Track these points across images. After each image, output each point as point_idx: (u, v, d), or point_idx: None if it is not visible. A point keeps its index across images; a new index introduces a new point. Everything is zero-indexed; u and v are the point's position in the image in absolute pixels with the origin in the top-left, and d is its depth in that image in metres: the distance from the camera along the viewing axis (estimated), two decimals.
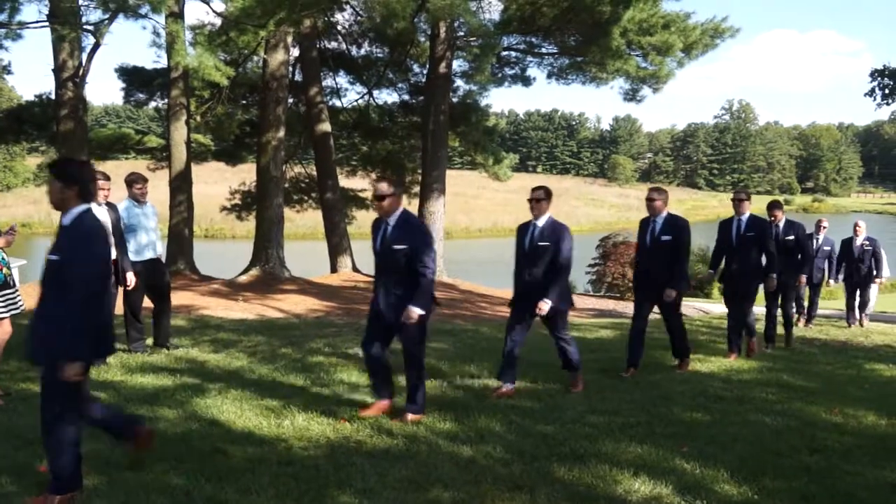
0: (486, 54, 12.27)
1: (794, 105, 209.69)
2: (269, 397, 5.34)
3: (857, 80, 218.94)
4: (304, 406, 5.09)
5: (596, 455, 4.18)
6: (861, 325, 10.87)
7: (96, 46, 12.73)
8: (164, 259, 7.18)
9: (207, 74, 10.11)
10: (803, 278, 9.30)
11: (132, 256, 6.67)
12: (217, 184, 36.42)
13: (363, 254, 19.32)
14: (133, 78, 17.64)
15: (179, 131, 13.95)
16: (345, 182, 18.97)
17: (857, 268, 10.72)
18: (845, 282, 11.02)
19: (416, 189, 18.85)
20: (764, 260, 7.27)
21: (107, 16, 10.96)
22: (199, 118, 15.45)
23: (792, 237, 8.35)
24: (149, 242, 6.81)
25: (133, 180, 6.80)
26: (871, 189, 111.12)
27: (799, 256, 8.62)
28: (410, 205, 19.69)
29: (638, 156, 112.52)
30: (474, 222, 54.98)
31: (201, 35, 10.12)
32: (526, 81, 17.08)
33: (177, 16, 11.99)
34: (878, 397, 5.93)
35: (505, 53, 16.26)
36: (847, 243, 10.88)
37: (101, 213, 6.03)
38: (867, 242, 10.74)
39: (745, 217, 7.11)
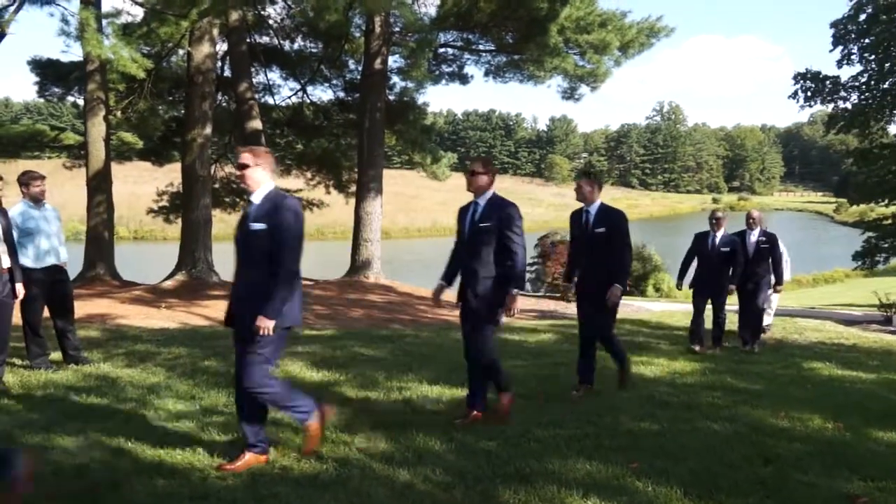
0: (422, 50, 11.91)
1: (720, 107, 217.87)
2: (185, 418, 4.84)
3: (779, 84, 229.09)
4: (224, 427, 4.62)
5: (543, 474, 3.88)
6: (754, 350, 8.25)
7: (1, 36, 11.74)
8: (67, 266, 6.50)
9: (123, 67, 9.37)
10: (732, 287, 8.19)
11: (30, 263, 6.01)
12: (147, 183, 34.89)
13: (305, 256, 18.60)
14: (47, 71, 16.51)
15: (97, 128, 13.06)
16: (278, 183, 18.28)
17: (751, 272, 8.30)
18: (739, 291, 8.42)
19: (353, 188, 18.37)
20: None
21: (11, 2, 10.08)
22: (119, 114, 14.52)
23: (728, 248, 8.01)
24: (50, 248, 6.14)
25: (29, 179, 6.10)
26: (793, 188, 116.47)
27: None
28: (347, 204, 19.26)
29: (574, 156, 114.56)
30: (414, 222, 54.72)
31: (114, 24, 9.38)
32: (463, 79, 16.84)
33: (89, 2, 11.14)
34: (819, 398, 5.87)
35: (442, 50, 15.96)
36: (741, 237, 8.40)
37: None
38: (763, 239, 8.40)
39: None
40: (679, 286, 8.60)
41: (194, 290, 12.02)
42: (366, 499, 3.56)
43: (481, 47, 15.68)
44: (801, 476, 3.93)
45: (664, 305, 15.27)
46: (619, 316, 11.41)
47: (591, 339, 5.82)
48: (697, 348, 7.97)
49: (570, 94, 14.69)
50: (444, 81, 16.68)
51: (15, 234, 5.85)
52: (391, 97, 16.41)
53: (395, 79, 17.28)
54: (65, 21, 9.62)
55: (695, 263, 8.28)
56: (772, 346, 8.78)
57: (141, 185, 33.84)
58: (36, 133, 17.11)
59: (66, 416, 4.90)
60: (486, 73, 16.39)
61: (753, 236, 8.45)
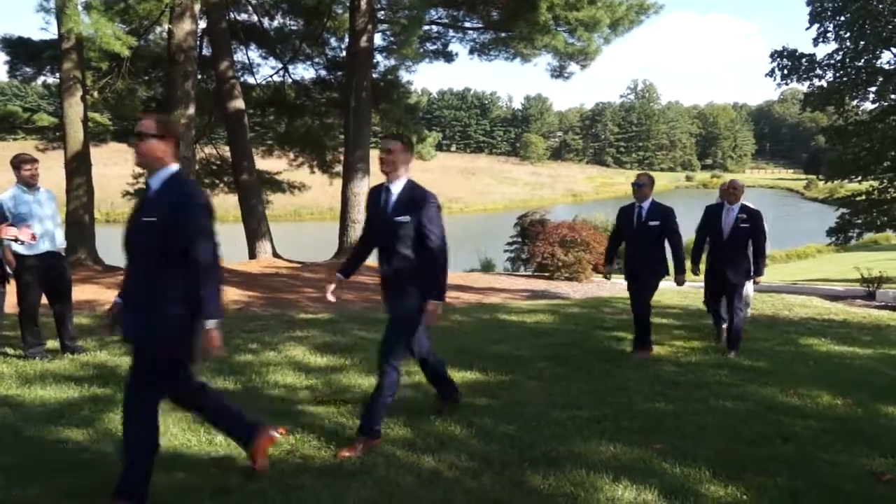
0: (412, 27, 11.69)
1: (693, 85, 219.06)
2: None
3: (752, 62, 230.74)
4: None
5: (569, 458, 3.86)
6: (730, 353, 6.55)
7: None
8: (64, 251, 6.30)
9: (106, 44, 9.05)
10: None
11: (23, 250, 5.79)
12: (117, 165, 34.14)
13: (285, 238, 18.58)
14: (18, 50, 15.90)
15: (74, 108, 12.66)
16: (260, 164, 17.96)
17: (727, 256, 6.65)
18: (707, 275, 7.00)
19: (338, 168, 18.13)
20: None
21: None
22: (96, 94, 14.08)
23: (657, 222, 6.30)
24: (44, 233, 5.91)
25: (20, 162, 5.87)
26: (764, 165, 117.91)
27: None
28: (332, 185, 19.02)
29: (549, 134, 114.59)
30: None
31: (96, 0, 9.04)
32: (448, 57, 16.62)
33: None
34: (824, 374, 5.95)
35: (426, 28, 15.71)
36: (712, 215, 6.81)
37: None
38: (744, 216, 6.60)
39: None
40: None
41: None
42: (394, 488, 3.51)
43: (467, 24, 15.49)
44: (822, 454, 3.97)
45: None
46: (609, 295, 11.44)
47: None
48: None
49: (559, 73, 14.60)
50: (427, 59, 16.47)
51: (8, 220, 5.65)
52: (375, 76, 16.13)
53: (378, 57, 17.00)
54: None
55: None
56: (765, 322, 8.86)
57: (111, 167, 33.14)
58: (8, 114, 16.57)
59: (70, 406, 4.75)
60: (472, 51, 16.19)
61: (732, 212, 6.68)
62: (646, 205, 6.39)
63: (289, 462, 3.82)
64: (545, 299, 11.26)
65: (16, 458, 3.82)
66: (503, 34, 14.87)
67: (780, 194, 78.13)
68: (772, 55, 22.42)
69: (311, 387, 5.36)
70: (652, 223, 6.33)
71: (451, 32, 16.37)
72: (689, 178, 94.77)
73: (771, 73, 22.59)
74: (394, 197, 4.03)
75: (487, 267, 19.74)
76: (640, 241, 6.42)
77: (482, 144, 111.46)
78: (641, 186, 6.37)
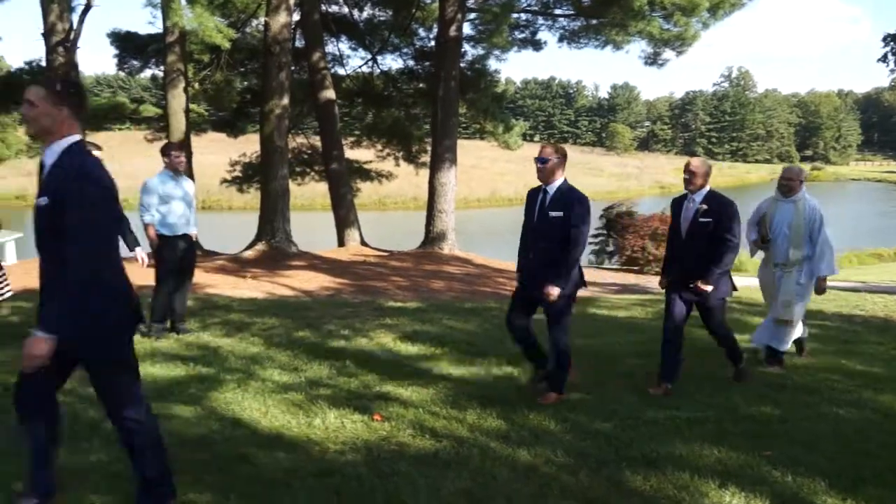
0: (504, 14, 11.57)
1: (793, 72, 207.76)
2: (293, 390, 4.87)
3: (857, 47, 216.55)
4: (332, 400, 4.62)
5: (671, 460, 3.73)
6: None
7: (87, 7, 12.03)
8: (195, 236, 6.73)
9: (208, 36, 9.44)
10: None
11: (164, 230, 6.30)
12: (213, 154, 35.67)
13: (371, 226, 18.91)
14: (126, 44, 16.87)
15: (177, 99, 13.29)
16: (348, 153, 18.34)
17: (685, 262, 5.10)
18: (669, 285, 5.25)
19: (423, 158, 18.27)
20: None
21: None
22: (197, 85, 14.72)
23: (560, 213, 4.66)
24: (184, 217, 6.42)
25: (169, 150, 6.41)
26: (870, 157, 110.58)
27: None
28: (418, 175, 19.19)
29: (636, 124, 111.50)
30: (473, 192, 54.35)
31: None
32: (537, 45, 16.37)
33: None
34: None
35: (515, 16, 15.52)
36: (674, 207, 5.30)
37: None
38: (705, 208, 4.99)
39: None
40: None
41: (275, 260, 12.20)
42: (490, 479, 3.48)
43: (557, 11, 15.20)
44: None
45: (742, 280, 14.67)
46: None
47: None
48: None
49: (653, 60, 14.09)
50: (515, 48, 16.28)
51: (154, 202, 6.10)
52: (462, 65, 16.10)
53: (465, 47, 16.95)
54: None
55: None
56: (878, 325, 8.30)
57: (206, 156, 34.71)
58: (116, 105, 17.59)
59: (178, 384, 4.98)
60: (561, 39, 15.88)
61: (693, 203, 5.08)
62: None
63: (385, 448, 3.86)
64: (635, 294, 10.96)
65: None
66: (594, 21, 14.50)
67: (888, 188, 73.15)
68: (884, 39, 20.99)
69: (402, 374, 5.41)
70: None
71: (539, 20, 16.12)
72: None
73: (883, 59, 21.18)
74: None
75: None
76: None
77: (566, 135, 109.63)
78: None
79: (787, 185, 5.78)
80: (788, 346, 5.92)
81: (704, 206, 4.99)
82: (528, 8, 15.22)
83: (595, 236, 17.51)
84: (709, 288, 4.97)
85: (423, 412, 4.44)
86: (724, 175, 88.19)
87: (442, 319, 7.62)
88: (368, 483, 3.39)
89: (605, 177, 75.51)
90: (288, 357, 5.87)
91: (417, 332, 6.96)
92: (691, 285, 5.01)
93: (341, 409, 4.44)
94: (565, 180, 4.75)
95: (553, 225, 4.66)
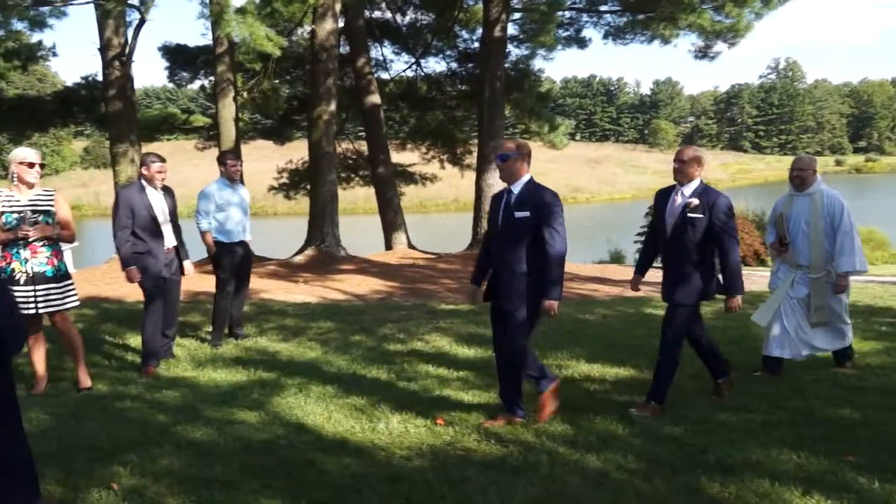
0: (551, 12, 11.45)
1: (843, 61, 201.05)
2: (354, 394, 4.86)
3: None
4: (394, 405, 4.60)
5: (748, 466, 3.59)
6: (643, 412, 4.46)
7: (142, 22, 12.34)
8: (250, 243, 6.82)
9: (259, 45, 9.58)
10: None
11: (220, 237, 6.37)
12: (257, 161, 36.30)
13: (414, 229, 18.97)
14: (177, 56, 17.28)
15: (227, 108, 13.53)
16: (393, 157, 18.43)
17: (669, 262, 4.56)
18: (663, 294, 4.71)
19: (468, 161, 18.23)
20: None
21: None
22: (245, 95, 14.99)
23: (526, 213, 4.11)
24: (239, 224, 6.49)
25: (225, 159, 6.55)
26: None
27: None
28: (463, 177, 19.17)
29: (680, 120, 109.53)
30: None
31: (251, 3, 9.58)
32: (581, 43, 16.16)
33: None
34: None
35: (559, 14, 15.33)
36: (659, 200, 4.67)
37: (157, 198, 5.60)
38: (695, 202, 4.36)
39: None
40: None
41: (325, 265, 12.31)
42: (561, 486, 3.41)
43: (603, 8, 14.99)
44: None
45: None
46: (760, 288, 10.67)
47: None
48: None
49: (703, 53, 13.76)
50: (560, 47, 16.09)
51: (211, 209, 6.20)
52: (505, 65, 16.00)
53: (509, 47, 16.86)
54: (203, 4, 9.95)
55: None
56: None
57: (251, 163, 35.29)
58: (168, 116, 18.02)
59: (241, 389, 5.03)
60: (606, 36, 15.65)
61: (680, 196, 4.46)
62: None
63: (451, 454, 3.81)
64: None
65: (200, 436, 4.07)
66: (641, 16, 14.24)
67: None
68: None
69: (461, 378, 5.37)
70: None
71: (584, 17, 15.94)
72: (838, 163, 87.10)
73: None
74: None
75: (617, 258, 19.10)
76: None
77: (608, 132, 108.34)
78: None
79: (799, 177, 5.25)
80: (851, 339, 5.48)
81: (694, 201, 4.35)
82: (573, 5, 15.04)
83: (640, 235, 17.17)
84: (738, 301, 4.41)
85: (485, 416, 4.38)
86: (773, 169, 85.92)
87: None
88: (438, 489, 3.35)
89: (649, 174, 74.28)
90: (346, 361, 5.89)
91: (472, 335, 6.91)
92: (729, 305, 4.43)
93: (404, 414, 4.42)
94: (531, 178, 4.21)
95: (520, 227, 4.10)
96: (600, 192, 61.19)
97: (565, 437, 4.05)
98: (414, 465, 3.66)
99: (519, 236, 4.11)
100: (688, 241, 4.37)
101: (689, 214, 4.35)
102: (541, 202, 4.09)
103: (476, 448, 3.92)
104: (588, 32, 17.43)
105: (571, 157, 70.79)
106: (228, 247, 6.45)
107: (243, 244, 6.59)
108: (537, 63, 21.87)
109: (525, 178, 4.19)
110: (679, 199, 4.43)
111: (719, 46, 13.71)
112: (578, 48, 16.05)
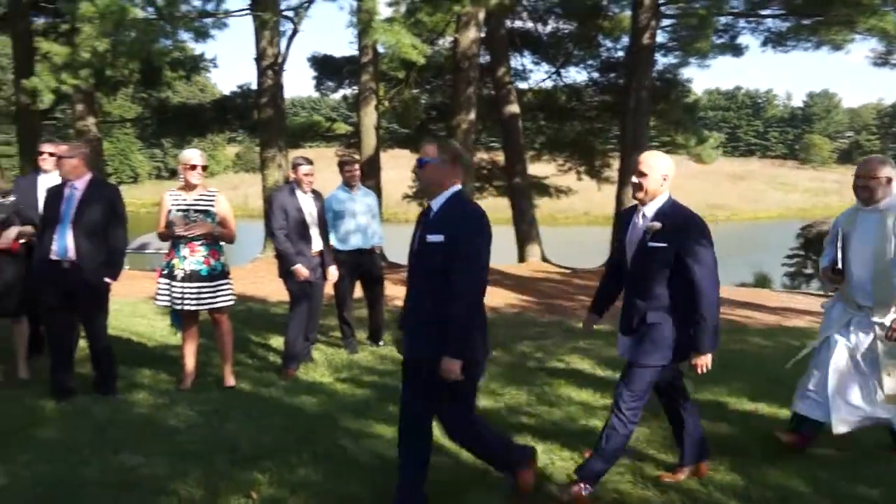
0: (710, 17, 10.72)
1: None
2: (493, 416, 4.60)
3: None
4: (536, 432, 4.30)
5: None
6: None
7: (294, 32, 12.88)
8: (380, 250, 6.68)
9: (404, 53, 9.66)
10: None
11: (337, 244, 6.25)
12: (392, 169, 37.31)
13: (549, 242, 18.57)
14: (323, 66, 18.01)
15: (369, 116, 13.85)
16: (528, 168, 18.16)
17: (629, 298, 3.46)
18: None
19: (606, 173, 17.60)
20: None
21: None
22: (386, 103, 15.30)
23: (440, 237, 3.09)
24: (356, 230, 6.33)
25: (343, 164, 6.46)
26: None
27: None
28: (600, 190, 18.53)
29: (836, 134, 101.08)
30: None
31: (398, 12, 9.71)
32: (737, 50, 15.06)
33: None
34: None
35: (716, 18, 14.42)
36: (622, 223, 3.62)
37: (306, 201, 5.63)
38: (658, 225, 3.26)
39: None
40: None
41: None
42: None
43: (765, 12, 13.89)
44: None
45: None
46: None
47: None
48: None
49: (884, 60, 12.35)
50: (713, 54, 15.11)
51: (329, 216, 6.15)
52: (652, 74, 15.27)
53: (655, 55, 16.10)
54: (352, 13, 10.22)
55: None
56: None
57: (386, 171, 36.21)
58: (313, 124, 18.82)
59: (380, 400, 4.91)
60: (765, 42, 14.48)
61: (640, 218, 3.37)
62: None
63: (605, 499, 3.44)
64: None
65: (338, 449, 3.96)
66: (807, 21, 13.06)
67: None
68: None
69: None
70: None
71: (741, 22, 14.86)
72: None
73: None
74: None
75: (762, 282, 17.64)
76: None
77: (754, 147, 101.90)
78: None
79: (865, 187, 3.82)
80: None
81: (656, 225, 3.28)
82: (730, 10, 14.06)
83: (790, 257, 15.81)
84: (704, 360, 3.32)
85: (636, 454, 3.96)
86: None
87: None
88: None
89: (799, 192, 69.29)
90: (482, 380, 5.63)
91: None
92: (694, 362, 3.33)
93: (548, 444, 4.10)
94: (459, 192, 3.12)
95: (430, 255, 3.07)
96: (743, 209, 57.70)
97: (735, 489, 3.56)
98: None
99: (431, 267, 3.08)
100: (649, 275, 3.38)
101: (651, 243, 3.30)
102: (455, 221, 3.05)
103: (631, 491, 3.52)
104: (744, 39, 16.27)
105: (714, 171, 67.23)
106: (346, 254, 6.22)
107: (362, 251, 6.35)
108: (686, 72, 20.83)
109: (449, 192, 3.11)
110: (641, 223, 3.36)
111: None
112: (733, 56, 14.99)
